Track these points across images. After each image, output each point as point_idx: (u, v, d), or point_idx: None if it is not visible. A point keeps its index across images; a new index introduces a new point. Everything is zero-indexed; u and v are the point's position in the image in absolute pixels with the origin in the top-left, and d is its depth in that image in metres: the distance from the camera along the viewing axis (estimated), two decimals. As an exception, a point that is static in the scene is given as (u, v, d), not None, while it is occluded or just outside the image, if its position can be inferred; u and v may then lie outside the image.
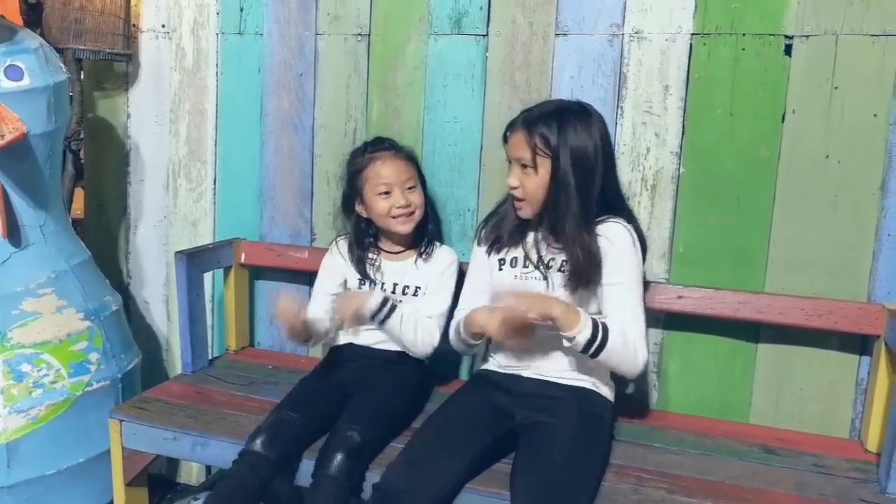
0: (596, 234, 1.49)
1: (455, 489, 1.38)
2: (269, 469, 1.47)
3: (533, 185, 1.50)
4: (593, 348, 1.42)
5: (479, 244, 1.68)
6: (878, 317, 1.57)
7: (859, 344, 1.66)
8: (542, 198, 1.50)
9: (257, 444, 1.49)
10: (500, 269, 1.60)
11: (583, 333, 1.41)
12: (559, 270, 1.51)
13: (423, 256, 1.75)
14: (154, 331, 2.30)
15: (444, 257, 1.76)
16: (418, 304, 1.72)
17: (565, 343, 1.45)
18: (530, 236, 1.58)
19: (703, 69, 1.69)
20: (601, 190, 1.50)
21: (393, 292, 1.72)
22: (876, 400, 1.56)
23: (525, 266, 1.56)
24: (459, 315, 1.64)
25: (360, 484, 1.44)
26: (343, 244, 1.82)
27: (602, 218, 1.52)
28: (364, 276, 1.75)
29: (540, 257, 1.54)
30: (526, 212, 1.55)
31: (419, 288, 1.73)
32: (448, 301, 1.72)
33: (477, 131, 1.88)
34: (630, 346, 1.45)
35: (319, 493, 1.42)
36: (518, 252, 1.59)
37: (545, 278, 1.53)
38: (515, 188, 1.53)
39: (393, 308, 1.65)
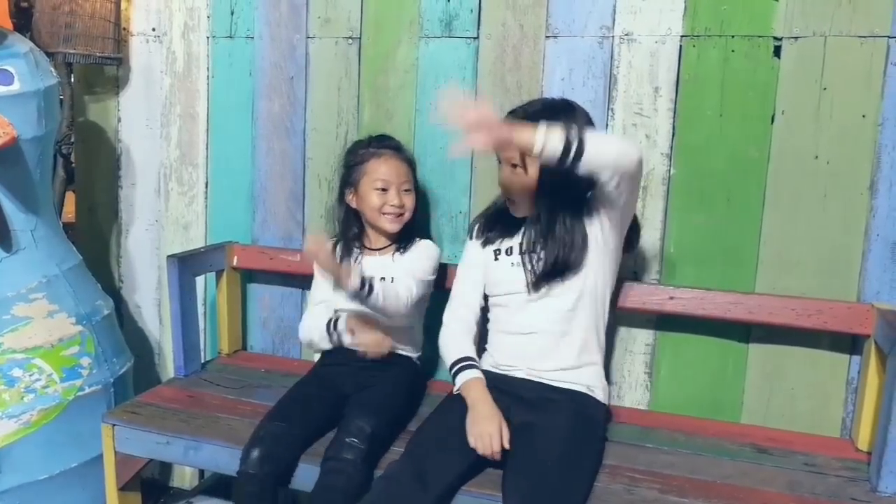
0: (584, 227, 1.51)
1: (455, 486, 1.39)
2: (270, 486, 1.49)
3: (524, 183, 1.52)
4: (574, 146, 1.28)
5: (472, 238, 1.69)
6: (868, 316, 1.58)
7: (849, 343, 1.67)
8: (533, 195, 1.52)
9: (253, 462, 1.48)
10: (496, 260, 1.61)
11: (551, 139, 1.28)
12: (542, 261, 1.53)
13: (402, 250, 1.76)
14: (146, 335, 2.30)
15: (422, 244, 1.77)
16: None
17: (540, 156, 1.32)
18: (524, 228, 1.59)
19: (692, 71, 1.70)
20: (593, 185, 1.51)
21: None
22: (866, 399, 1.57)
23: (521, 253, 1.56)
24: (453, 327, 1.65)
25: (370, 473, 1.44)
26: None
27: None
28: None
29: (534, 246, 1.54)
30: (519, 211, 1.57)
31: (395, 278, 1.73)
32: (428, 267, 1.72)
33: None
34: (613, 136, 1.42)
35: (335, 475, 1.42)
36: (513, 241, 1.60)
37: (529, 267, 1.54)
38: (506, 187, 1.55)
39: (371, 288, 1.60)
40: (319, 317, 1.74)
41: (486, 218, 1.68)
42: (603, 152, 1.33)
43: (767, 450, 1.60)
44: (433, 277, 1.74)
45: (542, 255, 1.52)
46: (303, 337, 1.81)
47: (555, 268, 1.50)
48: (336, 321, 1.70)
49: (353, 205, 1.76)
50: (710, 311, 1.68)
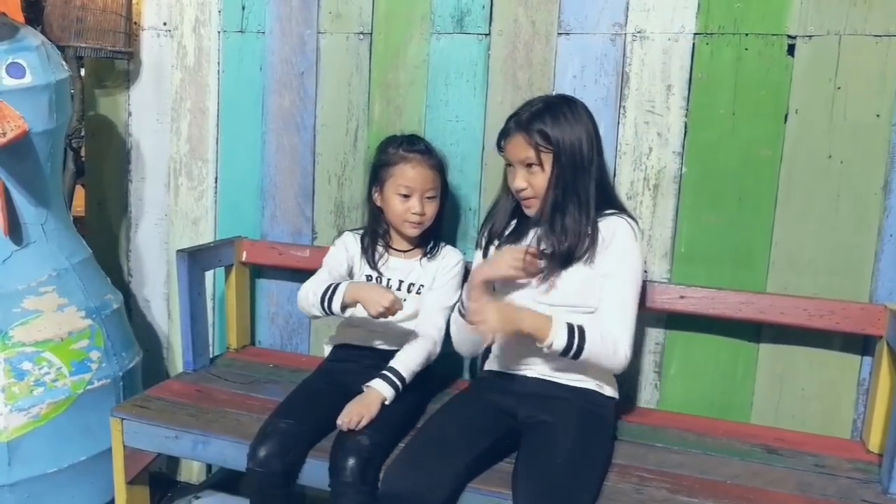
0: (597, 226, 1.51)
1: (457, 489, 1.38)
2: (279, 482, 1.49)
3: (540, 181, 1.52)
4: (572, 352, 1.43)
5: (479, 248, 1.68)
6: (881, 317, 1.57)
7: (861, 344, 1.66)
8: (547, 192, 1.52)
9: (262, 457, 1.48)
10: None
11: (557, 340, 1.43)
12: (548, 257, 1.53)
13: (429, 255, 1.75)
14: (155, 329, 2.30)
15: (450, 256, 1.76)
16: (422, 303, 1.71)
17: (544, 350, 1.46)
18: (531, 232, 1.58)
19: (705, 69, 1.69)
20: (598, 179, 1.53)
21: (398, 289, 1.73)
22: (878, 400, 1.56)
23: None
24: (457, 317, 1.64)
25: (375, 486, 1.44)
26: (349, 237, 1.80)
27: (607, 212, 1.54)
28: (373, 268, 1.75)
29: (542, 252, 1.54)
30: (534, 209, 1.56)
31: (423, 286, 1.73)
32: (454, 296, 1.72)
33: (479, 130, 1.87)
34: (609, 343, 1.45)
35: (340, 499, 1.43)
36: (524, 244, 1.58)
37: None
38: (524, 189, 1.54)
39: (403, 380, 1.61)
40: (320, 282, 1.64)
41: (492, 227, 1.66)
42: (594, 361, 1.47)
43: (778, 450, 1.59)
44: (460, 292, 1.72)
45: (550, 247, 1.52)
46: (299, 300, 1.68)
47: (560, 256, 1.50)
48: (334, 290, 1.58)
49: (379, 203, 1.75)
50: (720, 311, 1.67)
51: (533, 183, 1.53)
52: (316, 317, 1.66)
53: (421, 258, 1.75)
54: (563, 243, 1.50)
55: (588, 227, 1.50)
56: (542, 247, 1.54)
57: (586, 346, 1.43)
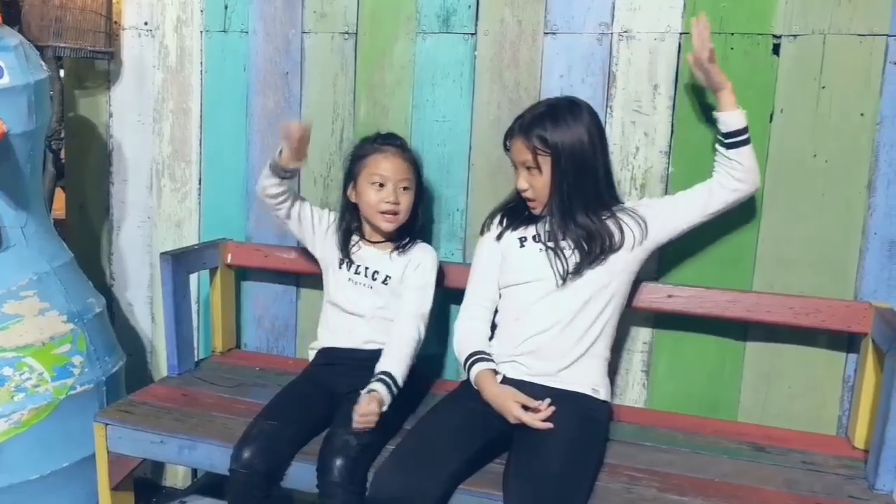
0: (602, 218, 1.54)
1: (447, 492, 1.37)
2: (262, 484, 1.48)
3: (540, 184, 1.55)
4: (746, 134, 1.52)
5: (487, 231, 1.69)
6: (865, 315, 1.58)
7: (846, 342, 1.67)
8: (550, 193, 1.55)
9: (245, 460, 1.47)
10: (523, 246, 1.61)
11: (744, 118, 1.51)
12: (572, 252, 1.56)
13: (400, 250, 1.75)
14: (138, 333, 2.27)
15: (422, 254, 1.75)
16: (390, 295, 1.71)
17: (726, 118, 1.53)
18: (539, 224, 1.61)
19: (691, 69, 1.69)
20: (604, 178, 1.56)
21: (366, 276, 1.73)
22: (863, 397, 1.57)
23: (548, 241, 1.58)
24: (468, 325, 1.65)
25: (363, 487, 1.43)
26: (333, 215, 1.83)
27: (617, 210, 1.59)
28: (345, 255, 1.76)
29: (557, 234, 1.56)
30: (538, 210, 1.59)
31: (389, 277, 1.72)
32: (430, 300, 1.72)
33: (465, 130, 1.87)
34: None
35: (329, 500, 1.42)
36: (539, 229, 1.61)
37: (558, 256, 1.55)
38: (525, 190, 1.58)
39: (390, 387, 1.57)
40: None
41: (506, 211, 1.68)
42: (749, 162, 1.54)
43: (765, 448, 1.60)
44: (434, 289, 1.73)
45: (569, 243, 1.54)
46: (258, 190, 1.78)
47: (585, 255, 1.53)
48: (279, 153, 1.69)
49: (353, 199, 1.75)
50: (708, 310, 1.68)
51: (534, 185, 1.56)
52: (272, 194, 1.73)
53: (392, 252, 1.75)
54: (581, 241, 1.53)
55: (598, 222, 1.53)
56: (549, 242, 1.57)
57: (750, 144, 1.52)
